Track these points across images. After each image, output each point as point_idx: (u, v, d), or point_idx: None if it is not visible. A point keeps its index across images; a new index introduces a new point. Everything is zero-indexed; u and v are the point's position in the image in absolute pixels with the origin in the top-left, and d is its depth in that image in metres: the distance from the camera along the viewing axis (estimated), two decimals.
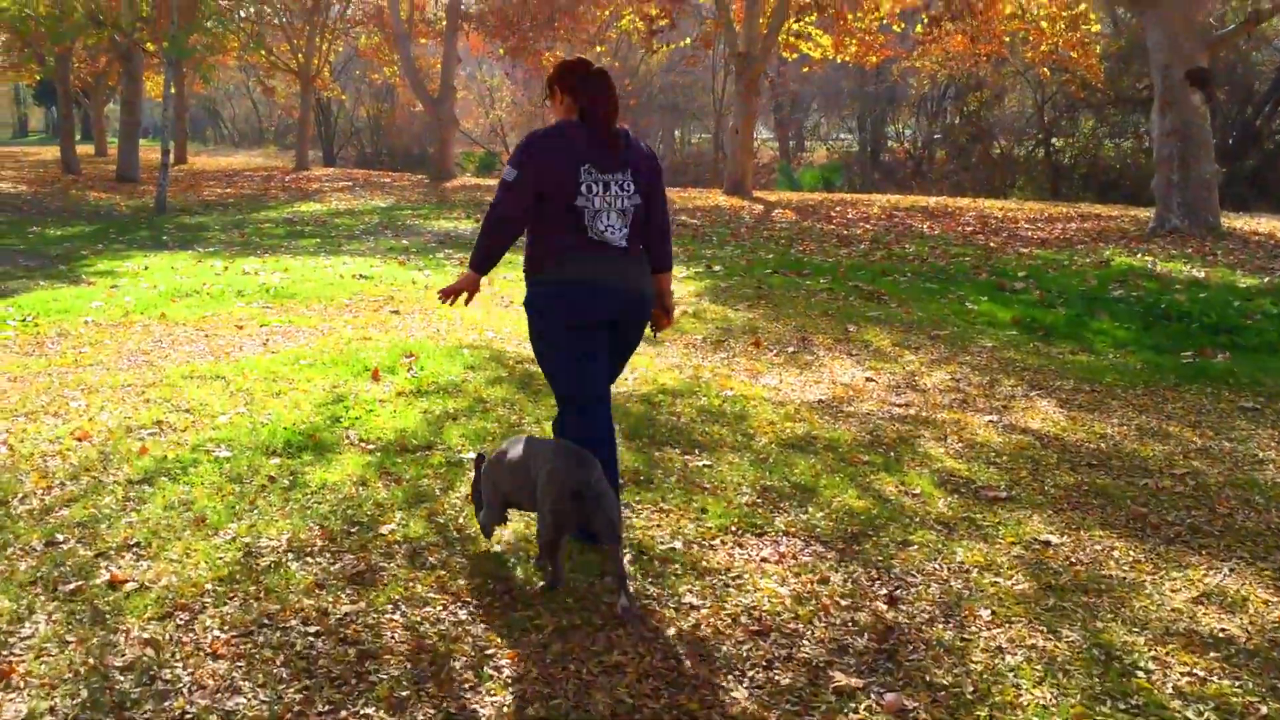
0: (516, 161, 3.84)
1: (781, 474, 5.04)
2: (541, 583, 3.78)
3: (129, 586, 3.77)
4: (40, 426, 5.70)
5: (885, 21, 26.88)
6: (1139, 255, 13.56)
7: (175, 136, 33.26)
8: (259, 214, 19.61)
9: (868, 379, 7.06)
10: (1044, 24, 23.63)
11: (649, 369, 7.12)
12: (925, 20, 25.45)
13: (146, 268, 11.78)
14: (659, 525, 4.39)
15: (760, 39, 24.85)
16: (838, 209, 21.62)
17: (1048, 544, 4.32)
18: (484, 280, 4.31)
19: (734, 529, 4.38)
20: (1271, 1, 17.14)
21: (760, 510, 4.58)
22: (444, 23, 30.85)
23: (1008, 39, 24.99)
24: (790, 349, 7.87)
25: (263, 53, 33.40)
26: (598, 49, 29.78)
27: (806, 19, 26.67)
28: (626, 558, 4.02)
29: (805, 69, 30.54)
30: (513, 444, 3.89)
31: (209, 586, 3.77)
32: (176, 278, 10.94)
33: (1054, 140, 32.19)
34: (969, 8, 21.44)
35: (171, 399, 6.24)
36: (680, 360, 7.45)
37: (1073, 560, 4.17)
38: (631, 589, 3.67)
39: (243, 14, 30.47)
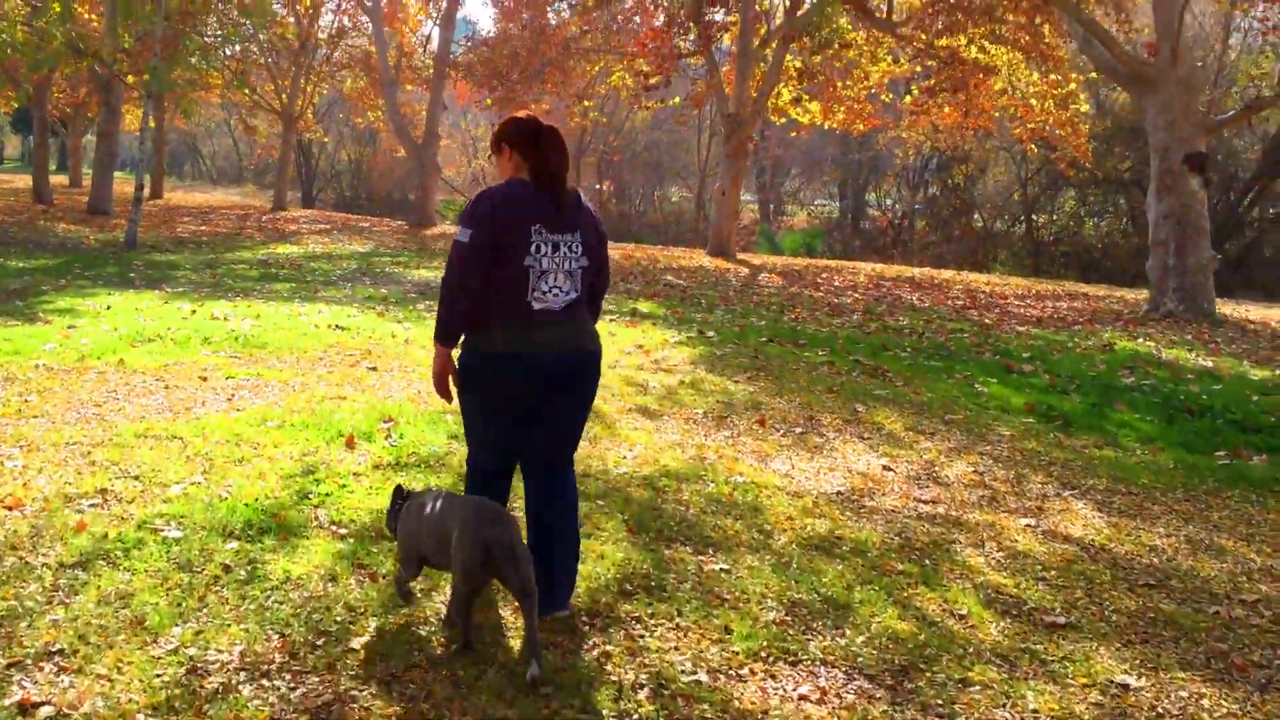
0: (471, 220, 3.71)
1: (809, 584, 4.45)
2: (454, 645, 3.61)
3: (44, 713, 3.11)
4: None
5: (874, 91, 26.80)
6: (1140, 340, 13.15)
7: (152, 170, 32.64)
8: (232, 254, 18.97)
9: (885, 468, 6.50)
10: (1033, 101, 23.50)
11: (649, 446, 6.54)
12: (916, 91, 25.33)
13: (109, 307, 11.11)
14: (677, 647, 3.78)
15: (750, 102, 24.62)
16: (824, 275, 21.24)
17: (1126, 688, 3.74)
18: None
19: (764, 654, 3.78)
20: (1273, 90, 16.96)
21: (791, 631, 3.98)
22: (431, 70, 30.48)
23: (997, 114, 24.86)
24: (798, 429, 7.31)
25: (246, 91, 32.95)
26: (585, 104, 29.49)
27: (796, 85, 26.49)
28: (644, 691, 3.42)
29: (793, 134, 30.39)
30: (430, 498, 3.79)
31: (140, 718, 3.12)
32: (139, 319, 10.28)
33: (1035, 216, 32.13)
34: (961, 83, 21.17)
35: (120, 462, 5.60)
36: (681, 438, 6.87)
37: (1159, 710, 3.59)
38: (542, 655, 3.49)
39: (228, 51, 29.97)
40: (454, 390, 3.97)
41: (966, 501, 5.91)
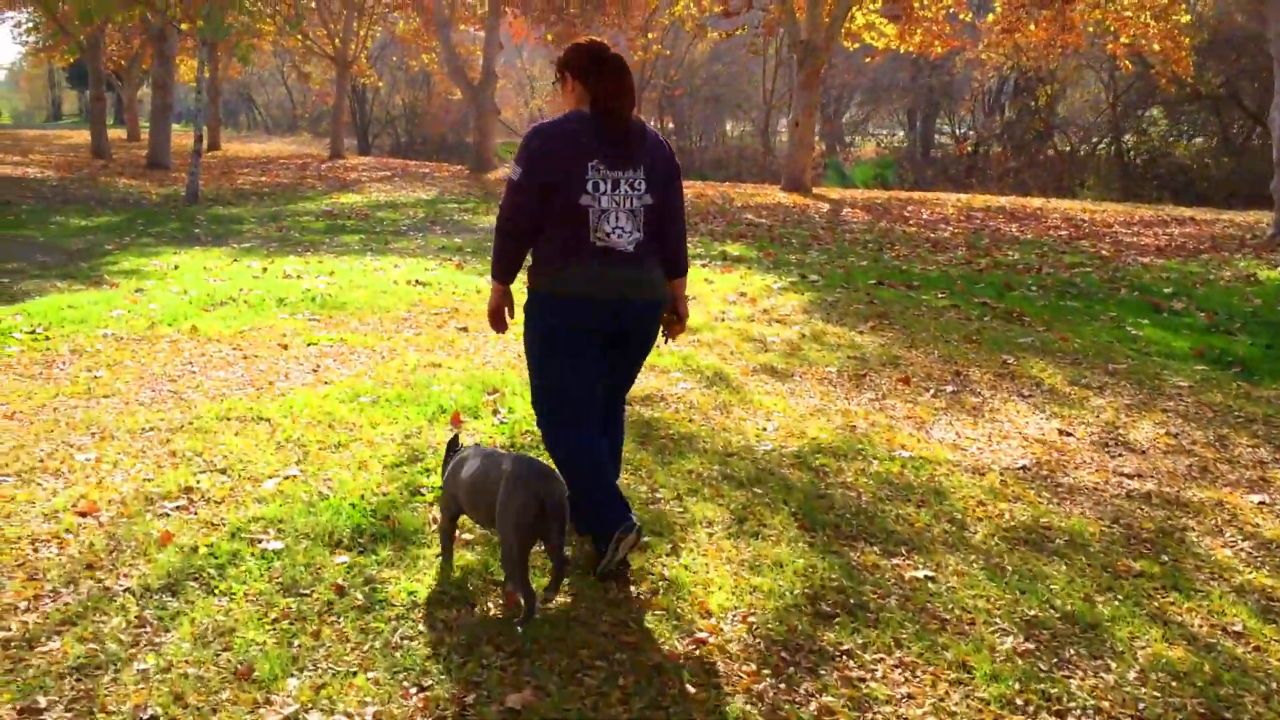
0: (521, 158, 3.52)
1: (1039, 596, 3.66)
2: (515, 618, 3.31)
3: None
4: (35, 492, 4.38)
5: (952, 9, 25.46)
6: (1278, 269, 12.08)
7: (208, 121, 32.10)
8: (296, 205, 18.34)
9: (1062, 432, 5.67)
10: (1129, 13, 22.07)
11: (788, 414, 5.76)
12: (1000, 8, 23.99)
13: (176, 267, 10.49)
14: (911, 695, 3.02)
15: (824, 28, 23.44)
16: (909, 208, 20.20)
17: None
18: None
19: (1020, 701, 3.01)
20: None
21: (1041, 665, 3.21)
22: (485, 7, 29.47)
23: (1091, 29, 23.44)
24: (948, 388, 6.48)
25: (299, 37, 32.19)
26: (648, 36, 28.38)
27: (871, 6, 25.22)
28: None
29: (867, 59, 29.06)
30: (473, 454, 3.62)
31: None
32: (209, 280, 9.64)
33: (1124, 138, 30.59)
34: None
35: (203, 451, 4.92)
36: (820, 402, 6.08)
37: None
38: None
39: None
40: (509, 323, 3.84)
41: (1175, 474, 5.07)
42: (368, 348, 7.23)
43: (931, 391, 6.40)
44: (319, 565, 3.76)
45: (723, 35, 27.97)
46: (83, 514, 4.18)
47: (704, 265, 11.38)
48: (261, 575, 3.69)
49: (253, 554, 3.83)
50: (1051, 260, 12.59)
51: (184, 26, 20.81)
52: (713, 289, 9.90)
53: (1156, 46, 22.37)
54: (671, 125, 43.41)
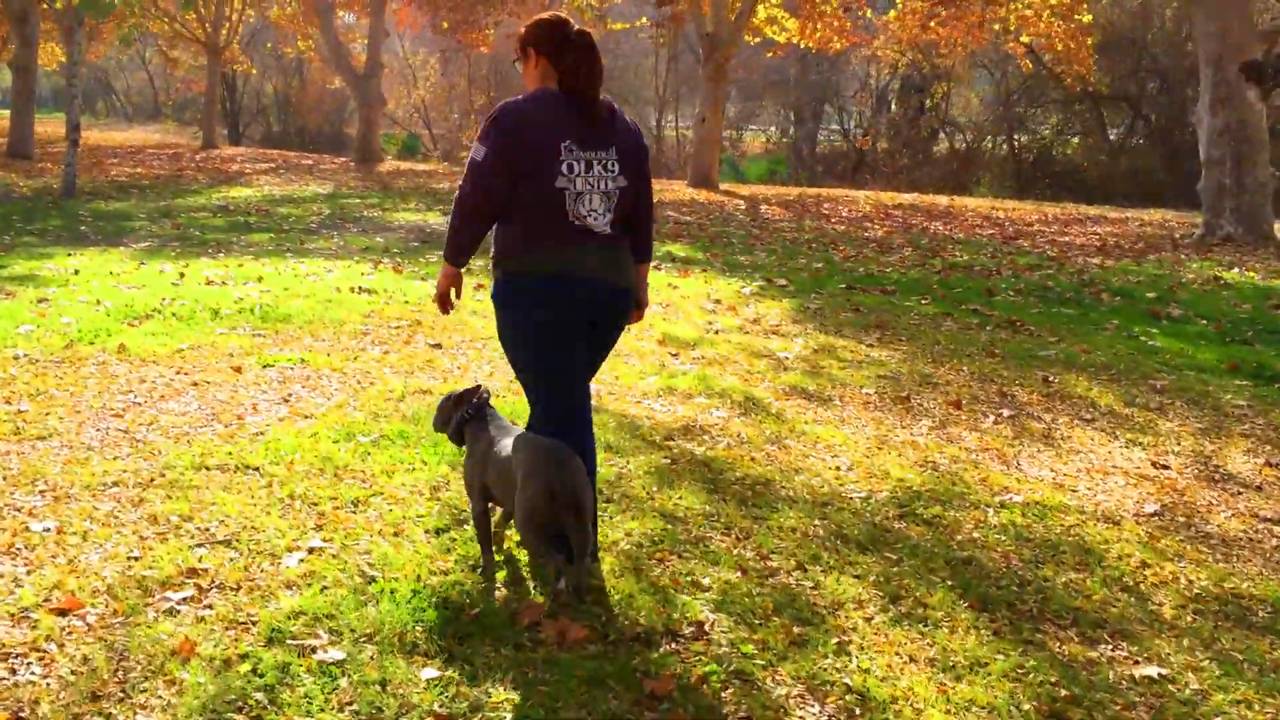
0: (486, 137, 3.32)
1: None
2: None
3: None
4: None
5: (851, 5, 25.31)
6: (1237, 270, 11.91)
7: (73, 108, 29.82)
8: (185, 200, 16.91)
9: (1156, 465, 5.12)
10: (1028, 12, 22.11)
11: (854, 450, 5.07)
12: (900, 5, 23.88)
13: (77, 272, 9.26)
14: None
15: (729, 21, 22.97)
16: (825, 206, 19.83)
17: None
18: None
19: None
20: None
21: None
22: None
23: (996, 26, 23.42)
24: (1004, 411, 5.88)
25: (164, 20, 30.31)
26: None
27: (773, 1, 24.90)
28: None
29: (769, 54, 28.67)
30: (504, 434, 3.46)
31: None
32: (121, 288, 8.48)
33: (1017, 136, 30.90)
34: None
35: (191, 515, 3.98)
36: (878, 431, 5.42)
37: None
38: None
39: None
40: (455, 304, 3.64)
41: None
42: (336, 370, 6.28)
43: (990, 417, 5.78)
44: (399, 683, 2.91)
45: (624, 26, 27.26)
46: (61, 612, 3.23)
47: (655, 266, 10.64)
48: (328, 702, 2.82)
49: (307, 669, 2.96)
50: (1005, 262, 12.22)
51: (58, 4, 19.10)
52: (681, 294, 9.17)
53: (1059, 46, 22.51)
54: None
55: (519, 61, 3.56)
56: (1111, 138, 29.85)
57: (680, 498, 4.31)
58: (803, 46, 26.51)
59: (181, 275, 9.22)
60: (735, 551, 3.82)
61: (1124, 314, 8.81)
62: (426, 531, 3.90)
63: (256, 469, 4.51)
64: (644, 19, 27.75)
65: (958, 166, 30.14)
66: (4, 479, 4.29)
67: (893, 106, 35.15)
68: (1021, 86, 29.54)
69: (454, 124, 41.18)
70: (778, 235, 14.43)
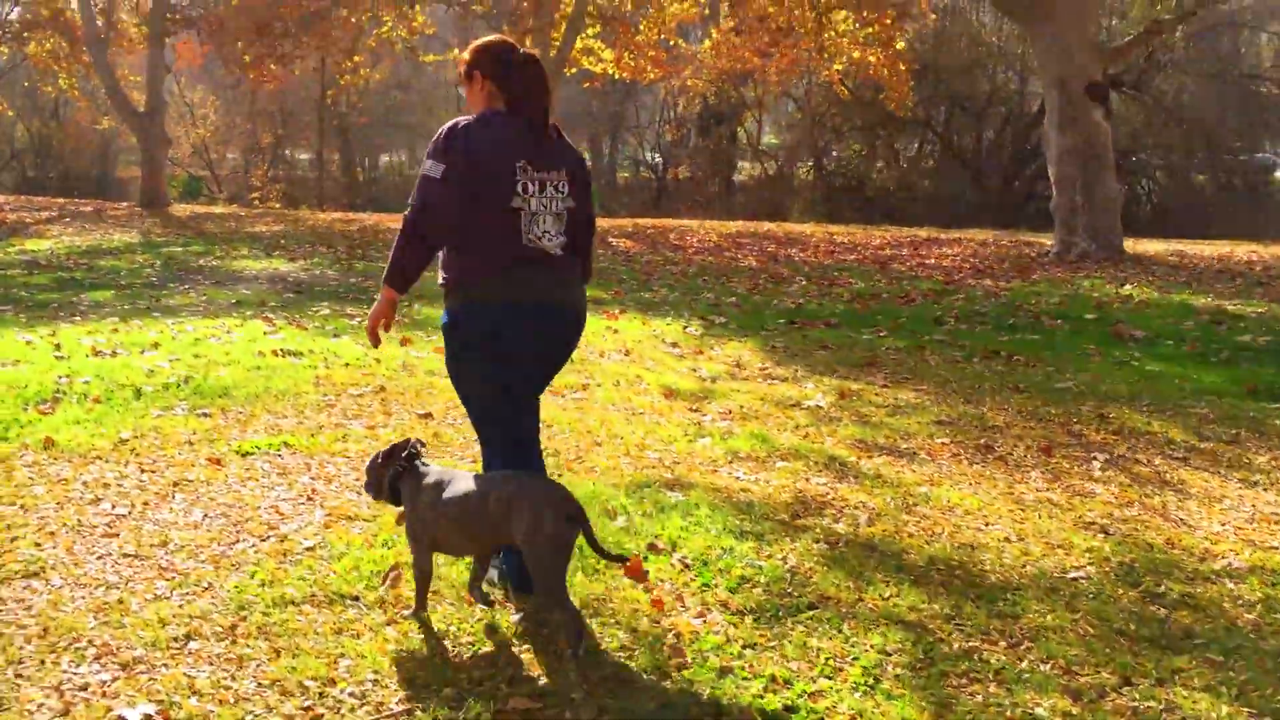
0: (440, 153, 3.25)
1: None
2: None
3: None
4: None
5: (663, 37, 25.33)
6: (1128, 286, 12.15)
7: None
8: None
9: None
10: (844, 40, 22.57)
11: (997, 514, 4.54)
12: (716, 34, 24.02)
13: None
14: None
15: (554, 52, 22.48)
16: (671, 236, 19.52)
17: None
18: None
19: None
20: (1171, 13, 16.55)
21: None
22: (144, 28, 25.97)
23: (806, 54, 23.74)
24: (1097, 456, 5.48)
25: None
26: (355, 59, 26.07)
27: (589, 32, 24.60)
28: None
29: (585, 85, 28.28)
30: (449, 478, 3.26)
31: None
32: None
33: (825, 161, 31.60)
34: (814, 23, 19.76)
35: (337, 679, 3.05)
36: (997, 487, 4.91)
37: None
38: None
39: None
40: (382, 337, 3.51)
41: None
42: (333, 454, 5.29)
43: (1091, 463, 5.35)
44: None
45: (437, 58, 26.30)
46: None
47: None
48: None
49: None
50: (907, 288, 12.08)
51: None
52: (630, 338, 8.50)
53: (885, 72, 22.91)
54: (337, 157, 40.63)
55: (462, 85, 3.51)
56: (902, 163, 30.94)
57: (892, 595, 3.65)
58: (616, 76, 26.32)
59: (58, 346, 7.84)
60: (1027, 664, 3.19)
61: (1088, 337, 8.69)
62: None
63: (355, 598, 3.56)
64: (455, 51, 26.80)
65: (769, 194, 30.49)
66: (30, 643, 3.21)
67: (693, 136, 35.39)
68: (825, 113, 30.18)
69: (238, 164, 38.99)
70: (656, 269, 13.92)
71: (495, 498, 3.11)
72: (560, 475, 4.88)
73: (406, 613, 3.37)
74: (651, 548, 3.99)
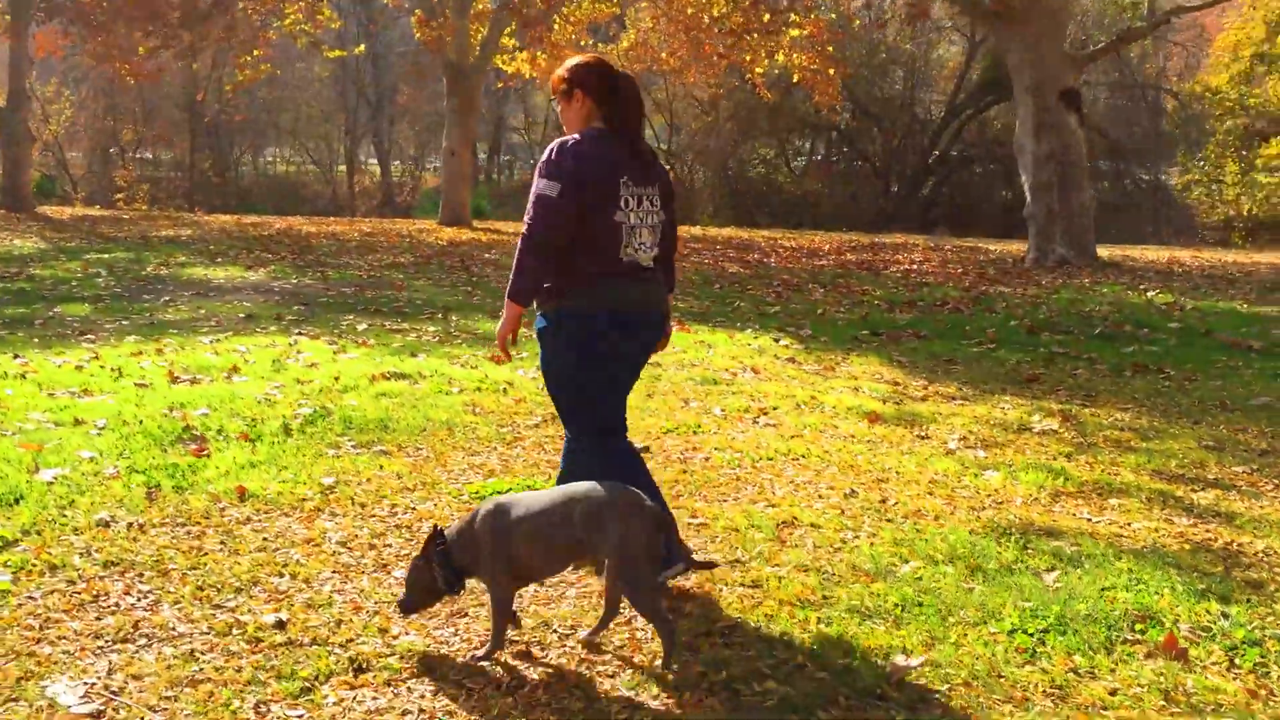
0: (557, 174, 3.35)
1: None
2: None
3: None
4: None
5: (574, 37, 24.69)
6: (1150, 293, 12.13)
7: None
8: None
9: None
10: (771, 43, 22.33)
11: None
12: (633, 34, 23.52)
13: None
14: None
15: (473, 52, 21.63)
16: None
17: None
18: None
19: None
20: (1143, 20, 16.77)
21: None
22: (8, 16, 23.76)
23: (748, 57, 23.42)
24: None
25: None
26: (255, 53, 24.44)
27: (508, 31, 23.75)
28: None
29: (499, 84, 27.34)
30: (515, 505, 3.13)
31: None
32: (77, 398, 6.00)
33: (730, 166, 31.39)
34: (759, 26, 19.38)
35: None
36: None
37: None
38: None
39: None
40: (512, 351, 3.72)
41: None
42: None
43: None
44: None
45: (341, 54, 24.99)
46: None
47: None
48: None
49: None
50: (930, 296, 11.77)
51: None
52: (733, 353, 7.89)
53: (816, 74, 22.64)
54: (210, 156, 38.39)
55: (558, 101, 3.60)
56: (811, 168, 31.06)
57: None
58: (527, 77, 25.52)
59: (119, 372, 6.74)
60: None
61: (1203, 348, 8.44)
62: None
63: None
64: (360, 48, 25.51)
65: (689, 198, 30.04)
66: None
67: None
68: (733, 115, 29.94)
69: (90, 162, 36.36)
70: None
71: (580, 510, 3.03)
72: (913, 524, 4.27)
73: (480, 653, 3.13)
74: (1148, 618, 3.39)
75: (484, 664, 3.07)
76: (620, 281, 3.46)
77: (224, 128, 36.34)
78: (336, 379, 6.62)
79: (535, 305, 3.52)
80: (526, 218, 3.37)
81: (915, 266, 15.32)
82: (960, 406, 6.39)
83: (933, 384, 7.06)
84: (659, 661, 3.02)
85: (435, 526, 3.19)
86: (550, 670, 3.07)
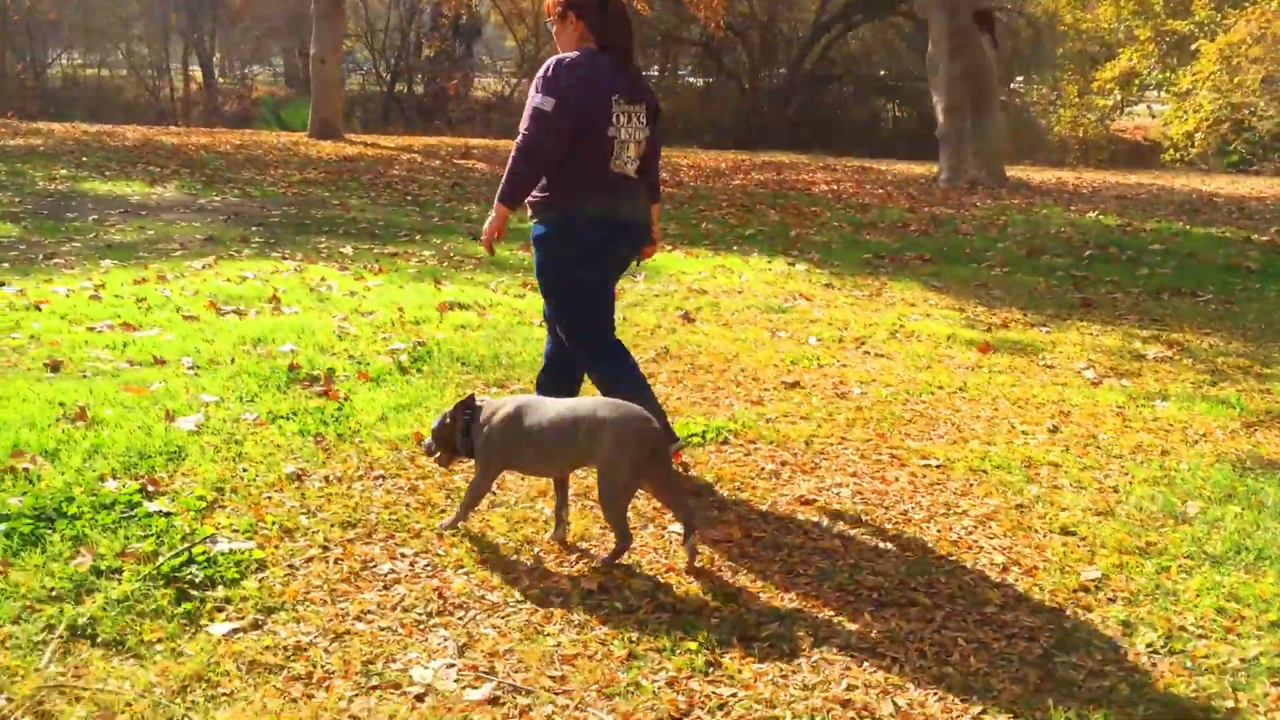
0: (552, 89, 3.56)
1: None
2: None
3: None
4: None
5: None
6: (1090, 215, 12.44)
7: None
8: None
9: None
10: None
11: None
12: None
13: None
14: None
15: None
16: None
17: None
18: None
19: None
20: None
21: None
22: None
23: None
24: None
25: None
26: None
27: None
28: None
29: None
30: (523, 405, 3.33)
31: None
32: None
33: None
34: None
35: None
36: None
37: None
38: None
39: None
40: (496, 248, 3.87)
41: None
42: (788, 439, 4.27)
43: None
44: None
45: None
46: None
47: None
48: None
49: None
50: (879, 219, 11.76)
51: None
52: (764, 279, 7.70)
53: None
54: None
55: (553, 23, 3.76)
56: (680, 84, 30.69)
57: None
58: None
59: (145, 302, 6.01)
60: None
61: (1208, 270, 8.60)
62: None
63: None
64: None
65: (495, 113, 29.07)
66: None
67: (424, 48, 33.30)
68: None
69: None
70: None
71: (584, 428, 3.17)
72: (1156, 462, 4.18)
73: (442, 523, 3.39)
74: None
75: (447, 532, 3.32)
76: (610, 191, 3.70)
77: (35, 27, 33.27)
78: (401, 311, 6.08)
79: (530, 215, 3.75)
80: (522, 128, 3.56)
81: (836, 187, 15.32)
82: (1050, 335, 6.34)
83: (995, 310, 7.00)
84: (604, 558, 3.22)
85: (471, 395, 3.40)
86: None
